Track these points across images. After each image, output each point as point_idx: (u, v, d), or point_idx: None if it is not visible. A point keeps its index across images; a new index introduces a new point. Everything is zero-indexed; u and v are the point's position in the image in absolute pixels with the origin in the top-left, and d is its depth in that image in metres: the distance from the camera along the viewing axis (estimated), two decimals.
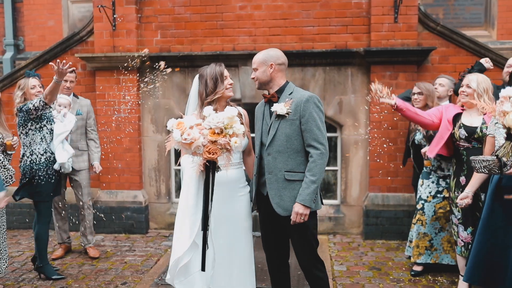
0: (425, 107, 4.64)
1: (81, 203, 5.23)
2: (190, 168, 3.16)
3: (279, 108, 3.20)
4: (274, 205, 3.24)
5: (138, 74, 5.99)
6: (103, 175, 6.08)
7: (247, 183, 3.55)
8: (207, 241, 3.10)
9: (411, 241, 4.73)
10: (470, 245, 3.83)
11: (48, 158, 4.50)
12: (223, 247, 3.35)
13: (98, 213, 5.98)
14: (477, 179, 3.60)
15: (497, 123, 3.37)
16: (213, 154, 2.90)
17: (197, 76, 3.43)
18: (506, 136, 3.25)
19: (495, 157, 3.16)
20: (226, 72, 3.40)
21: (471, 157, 3.36)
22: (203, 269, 3.10)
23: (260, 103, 3.48)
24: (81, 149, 5.22)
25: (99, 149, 5.35)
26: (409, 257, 4.83)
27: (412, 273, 4.65)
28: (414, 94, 4.73)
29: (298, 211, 3.14)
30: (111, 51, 5.91)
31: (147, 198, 6.20)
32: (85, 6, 8.26)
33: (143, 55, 5.74)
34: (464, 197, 3.63)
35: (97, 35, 5.95)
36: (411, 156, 4.94)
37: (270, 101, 3.34)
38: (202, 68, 3.43)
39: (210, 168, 3.03)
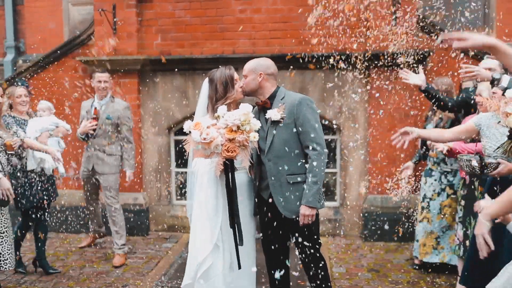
0: None
1: (105, 205, 5.26)
2: (208, 171, 3.19)
3: (273, 114, 3.25)
4: (281, 209, 3.28)
5: (138, 77, 6.02)
6: None
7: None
8: (237, 239, 3.15)
9: (417, 240, 4.79)
10: (462, 244, 3.88)
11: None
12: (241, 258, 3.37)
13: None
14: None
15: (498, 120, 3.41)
16: (232, 152, 2.95)
17: (206, 80, 3.45)
18: (508, 134, 3.29)
19: (478, 157, 3.22)
20: (236, 75, 3.42)
21: (458, 155, 3.43)
22: (239, 267, 3.18)
23: (255, 110, 3.51)
24: (109, 153, 5.13)
25: (130, 157, 5.18)
26: (416, 257, 4.88)
27: (415, 266, 4.84)
28: None
29: (305, 212, 3.21)
30: (111, 54, 5.94)
31: (147, 200, 6.23)
32: (86, 8, 8.27)
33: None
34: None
35: (98, 38, 6.00)
36: (420, 145, 4.89)
37: (264, 108, 3.38)
38: (211, 71, 3.45)
39: (228, 167, 3.08)
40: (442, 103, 4.31)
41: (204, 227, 3.19)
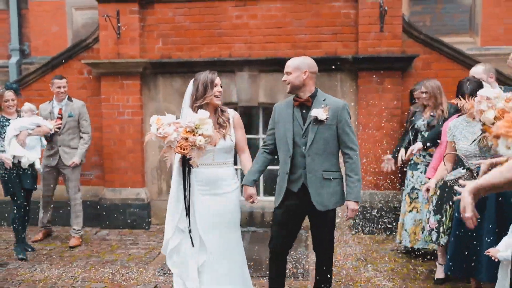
0: (431, 105, 5.08)
1: (68, 195, 5.89)
2: (175, 163, 3.54)
3: (320, 113, 3.47)
4: (314, 202, 3.52)
5: (140, 79, 6.38)
6: (108, 174, 6.48)
7: (236, 180, 3.83)
8: (190, 225, 3.50)
9: (405, 230, 5.21)
10: (433, 231, 4.24)
11: None
12: (213, 243, 3.60)
13: (100, 208, 6.38)
14: None
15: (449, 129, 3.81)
16: (184, 150, 3.26)
17: (193, 79, 3.75)
18: (482, 128, 3.66)
19: (466, 169, 3.57)
20: (217, 80, 3.68)
21: (447, 178, 3.77)
22: (192, 245, 3.53)
23: (283, 104, 3.72)
24: (73, 147, 5.82)
25: (84, 146, 5.86)
26: (400, 242, 5.35)
27: (404, 251, 5.34)
28: (422, 93, 5.12)
29: (354, 208, 3.55)
30: (115, 57, 6.29)
31: (149, 195, 6.58)
32: (88, 13, 8.61)
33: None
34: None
35: (103, 42, 6.34)
36: (411, 139, 5.31)
37: (302, 105, 3.60)
38: (198, 73, 3.75)
39: (186, 163, 3.41)
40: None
41: (169, 211, 3.55)
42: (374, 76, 6.04)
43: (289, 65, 3.56)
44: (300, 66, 3.54)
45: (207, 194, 3.63)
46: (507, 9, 7.85)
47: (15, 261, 5.21)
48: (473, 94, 3.92)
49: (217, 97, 3.67)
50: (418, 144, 4.93)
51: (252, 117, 6.63)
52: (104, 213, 6.43)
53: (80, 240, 5.87)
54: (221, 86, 3.71)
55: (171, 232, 3.51)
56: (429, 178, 4.74)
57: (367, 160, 6.10)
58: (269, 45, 6.25)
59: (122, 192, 6.49)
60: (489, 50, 7.88)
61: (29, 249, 5.52)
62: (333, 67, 6.14)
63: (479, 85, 4.31)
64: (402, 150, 5.45)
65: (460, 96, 4.00)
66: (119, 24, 6.23)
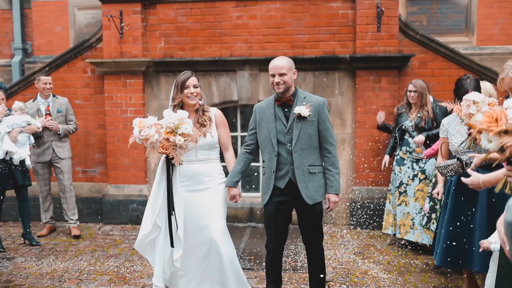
0: (418, 103, 5.29)
1: (63, 187, 6.09)
2: (160, 161, 3.63)
3: (303, 110, 3.63)
4: (304, 196, 3.67)
5: (143, 78, 6.52)
6: (111, 170, 6.62)
7: (222, 176, 3.94)
8: (172, 223, 3.55)
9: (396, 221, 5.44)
10: (427, 217, 4.40)
11: None
12: (191, 239, 3.70)
13: (103, 204, 6.52)
14: None
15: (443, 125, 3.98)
16: (166, 150, 3.40)
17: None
18: (468, 132, 3.81)
19: (456, 159, 3.72)
20: (190, 82, 3.79)
21: (436, 165, 3.93)
22: (172, 245, 3.60)
23: (264, 105, 3.83)
24: (64, 140, 6.08)
25: (70, 127, 6.09)
26: (394, 234, 5.56)
27: (401, 246, 5.51)
28: (411, 92, 5.32)
29: (335, 200, 3.71)
30: (118, 56, 6.44)
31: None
32: (91, 12, 8.77)
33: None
34: None
35: (106, 42, 6.48)
36: (397, 140, 5.49)
37: (284, 104, 3.73)
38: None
39: (170, 162, 3.52)
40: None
41: (148, 207, 3.65)
42: (371, 75, 6.19)
43: (282, 66, 3.64)
44: (291, 66, 3.70)
45: (188, 190, 3.75)
46: (502, 9, 8.02)
47: (22, 255, 5.36)
48: (475, 90, 4.08)
49: (189, 98, 3.79)
50: (420, 137, 5.14)
51: (252, 115, 6.75)
52: (107, 209, 6.56)
53: (80, 230, 6.14)
54: (195, 87, 3.81)
55: (149, 228, 3.59)
56: (426, 157, 5.02)
57: (364, 157, 6.25)
58: (269, 44, 6.39)
59: (125, 189, 6.63)
60: (484, 50, 8.06)
61: (35, 244, 5.70)
62: (331, 66, 6.30)
63: (478, 82, 4.48)
64: (386, 157, 5.66)
65: (462, 94, 4.13)
66: (122, 24, 6.37)
